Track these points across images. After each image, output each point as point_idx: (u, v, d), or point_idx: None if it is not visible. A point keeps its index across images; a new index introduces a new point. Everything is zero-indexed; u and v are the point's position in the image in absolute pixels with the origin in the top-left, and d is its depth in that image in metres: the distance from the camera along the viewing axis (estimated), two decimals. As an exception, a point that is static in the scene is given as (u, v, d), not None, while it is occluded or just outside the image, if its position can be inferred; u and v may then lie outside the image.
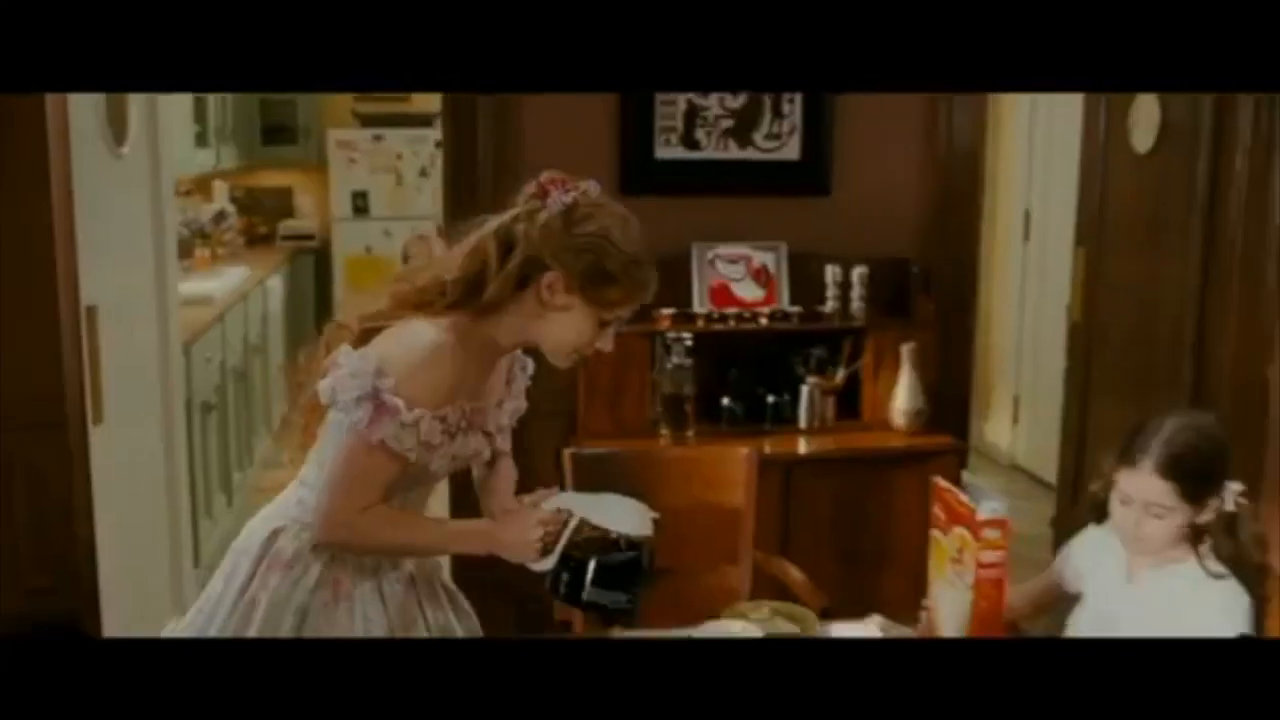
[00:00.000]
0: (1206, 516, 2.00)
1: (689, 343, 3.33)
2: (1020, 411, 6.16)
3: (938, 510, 2.08)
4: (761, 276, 3.57)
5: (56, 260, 2.80)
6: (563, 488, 2.76)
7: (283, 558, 1.97)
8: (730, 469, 2.85)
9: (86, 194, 2.90)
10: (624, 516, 1.94)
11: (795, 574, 2.78)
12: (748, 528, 2.82)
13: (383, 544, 1.98)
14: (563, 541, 1.92)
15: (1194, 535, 2.02)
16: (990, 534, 1.93)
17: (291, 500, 2.03)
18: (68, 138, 2.79)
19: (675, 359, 3.32)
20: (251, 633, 1.95)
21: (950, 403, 3.71)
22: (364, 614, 1.98)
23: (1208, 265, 3.97)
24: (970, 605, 1.95)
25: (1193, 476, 1.97)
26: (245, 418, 5.31)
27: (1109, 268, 4.59)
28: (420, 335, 1.88)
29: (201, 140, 6.14)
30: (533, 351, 2.10)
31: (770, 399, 3.52)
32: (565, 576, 1.92)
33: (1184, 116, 4.02)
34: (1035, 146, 6.01)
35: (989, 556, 1.94)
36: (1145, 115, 4.24)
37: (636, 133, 3.56)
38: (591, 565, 1.91)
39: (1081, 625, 2.14)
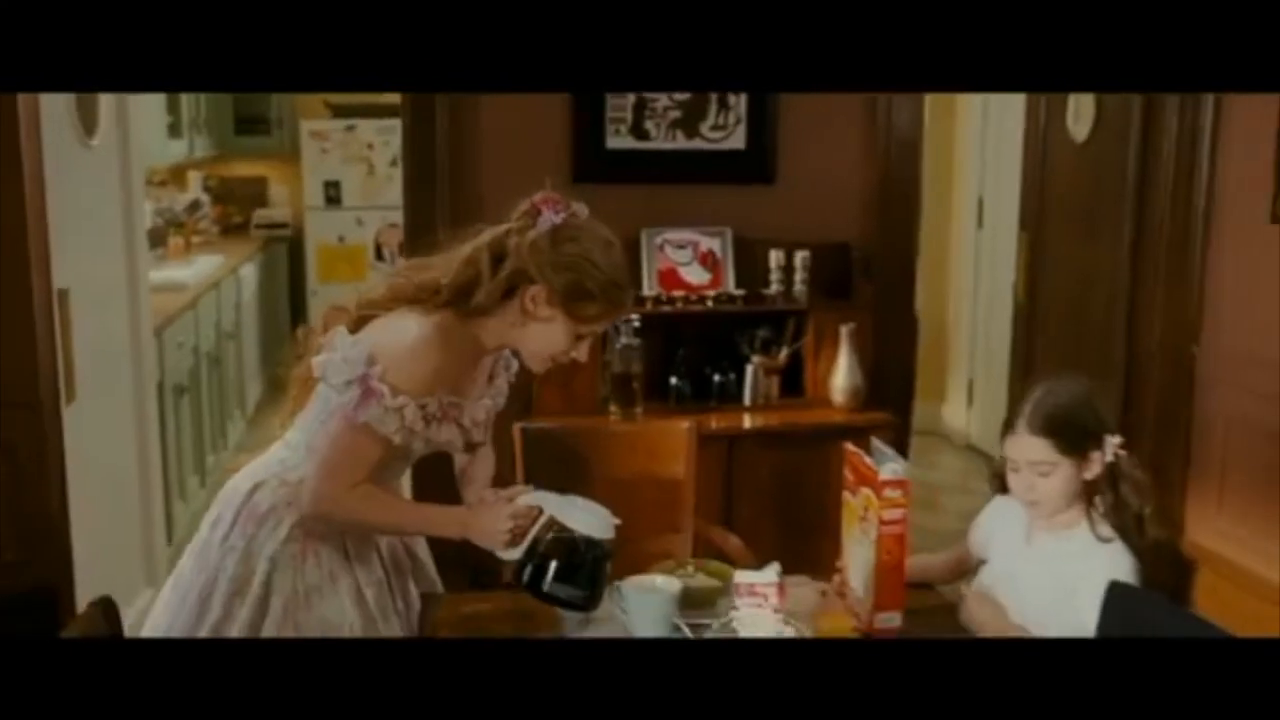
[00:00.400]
0: (1093, 472, 2.17)
1: (637, 324, 3.48)
2: (975, 393, 6.33)
3: (848, 473, 2.24)
4: (708, 261, 3.73)
5: (29, 246, 2.94)
6: (513, 461, 2.93)
7: (259, 510, 2.14)
8: (671, 442, 3.00)
9: (57, 183, 3.04)
10: (589, 519, 2.06)
11: (733, 540, 2.94)
12: (689, 497, 2.97)
13: (366, 521, 2.15)
14: (531, 536, 2.06)
15: (1086, 495, 2.19)
16: (891, 493, 2.09)
17: (274, 459, 2.21)
18: (39, 130, 2.92)
19: (624, 339, 3.47)
20: (227, 576, 2.12)
21: (892, 381, 3.87)
22: (329, 569, 2.15)
23: (1137, 249, 4.15)
24: (874, 559, 2.12)
25: (1064, 431, 2.14)
26: (219, 401, 5.45)
27: (1050, 252, 4.77)
28: (410, 328, 2.05)
29: (175, 131, 6.26)
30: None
31: (716, 378, 3.68)
32: (529, 568, 2.05)
33: (1117, 108, 4.19)
34: (987, 135, 6.17)
35: (891, 514, 2.09)
36: (1082, 106, 4.42)
37: (588, 124, 3.71)
38: (554, 563, 2.04)
39: (986, 584, 2.31)
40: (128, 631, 2.03)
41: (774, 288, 3.70)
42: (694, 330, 3.73)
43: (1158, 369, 4.12)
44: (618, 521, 2.10)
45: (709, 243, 3.73)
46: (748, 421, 3.62)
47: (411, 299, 2.11)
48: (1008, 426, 2.21)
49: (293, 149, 7.37)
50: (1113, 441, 2.17)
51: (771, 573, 1.83)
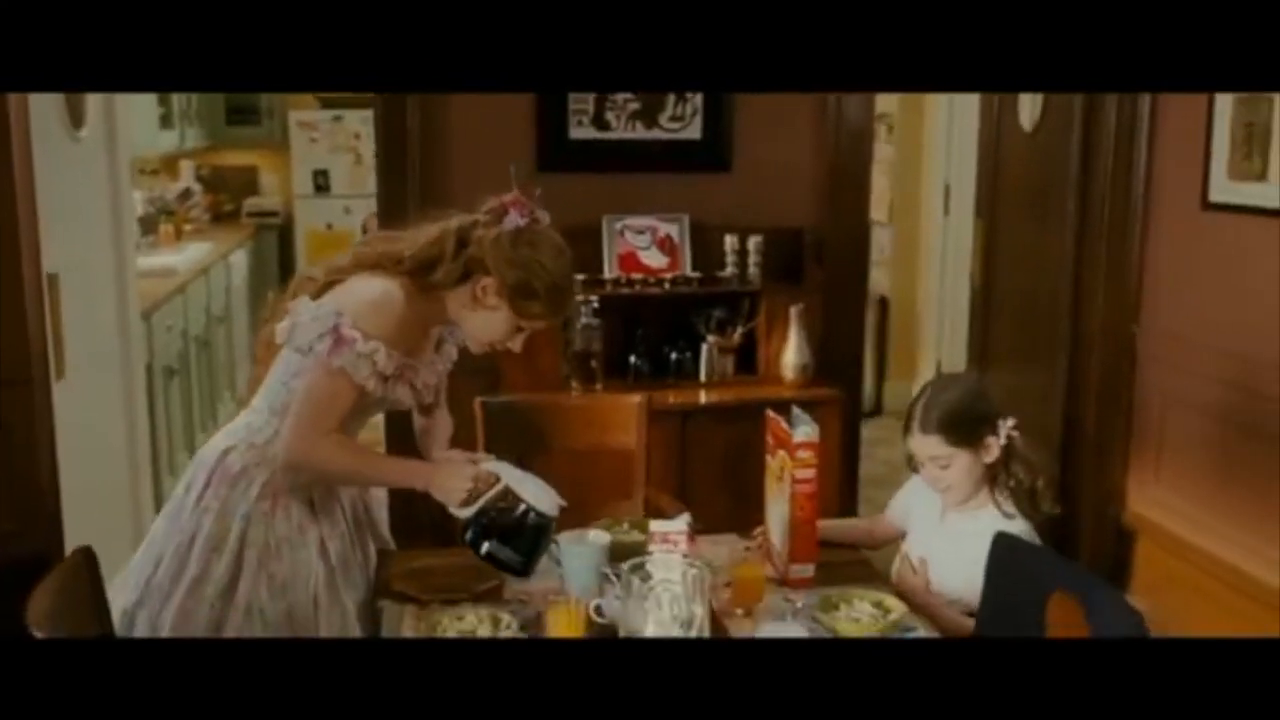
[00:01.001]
0: (992, 456, 2.37)
1: (596, 305, 3.68)
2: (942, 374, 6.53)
3: (769, 438, 2.44)
4: (666, 245, 3.92)
5: (20, 233, 3.14)
6: (475, 433, 3.13)
7: (231, 471, 2.32)
8: (623, 415, 3.19)
9: (47, 174, 3.23)
10: (540, 495, 2.26)
11: (676, 506, 3.12)
12: (640, 467, 3.17)
13: (340, 468, 2.33)
14: (484, 499, 2.25)
15: (991, 478, 2.39)
16: (803, 454, 2.30)
17: (241, 425, 2.40)
18: (27, 123, 3.11)
19: (584, 319, 3.67)
20: (204, 535, 2.30)
21: (843, 359, 4.07)
22: (298, 522, 2.34)
23: (1081, 234, 4.34)
24: (789, 515, 2.32)
25: (955, 426, 2.34)
26: (208, 383, 5.65)
27: (1003, 237, 4.95)
28: (375, 284, 2.27)
29: (166, 121, 6.45)
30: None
31: (674, 356, 3.87)
32: (476, 527, 2.24)
33: (1063, 98, 4.37)
34: (953, 125, 6.35)
35: (803, 473, 2.30)
36: (1030, 96, 4.60)
37: (552, 115, 3.90)
38: (499, 527, 2.23)
39: (908, 555, 2.50)
40: (111, 594, 2.22)
41: (729, 271, 3.89)
42: (652, 311, 3.92)
43: (1100, 349, 4.31)
44: (564, 503, 2.30)
45: (667, 228, 3.92)
46: (703, 397, 3.81)
47: (374, 265, 2.32)
48: (906, 427, 2.41)
49: (282, 139, 7.55)
50: (1006, 425, 2.36)
51: (681, 523, 2.03)
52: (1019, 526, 2.35)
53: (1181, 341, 4.04)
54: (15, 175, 3.11)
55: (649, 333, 3.91)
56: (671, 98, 3.95)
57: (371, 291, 2.26)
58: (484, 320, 2.32)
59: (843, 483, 3.73)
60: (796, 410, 2.40)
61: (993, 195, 4.98)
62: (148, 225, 5.86)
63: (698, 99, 3.96)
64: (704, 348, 3.87)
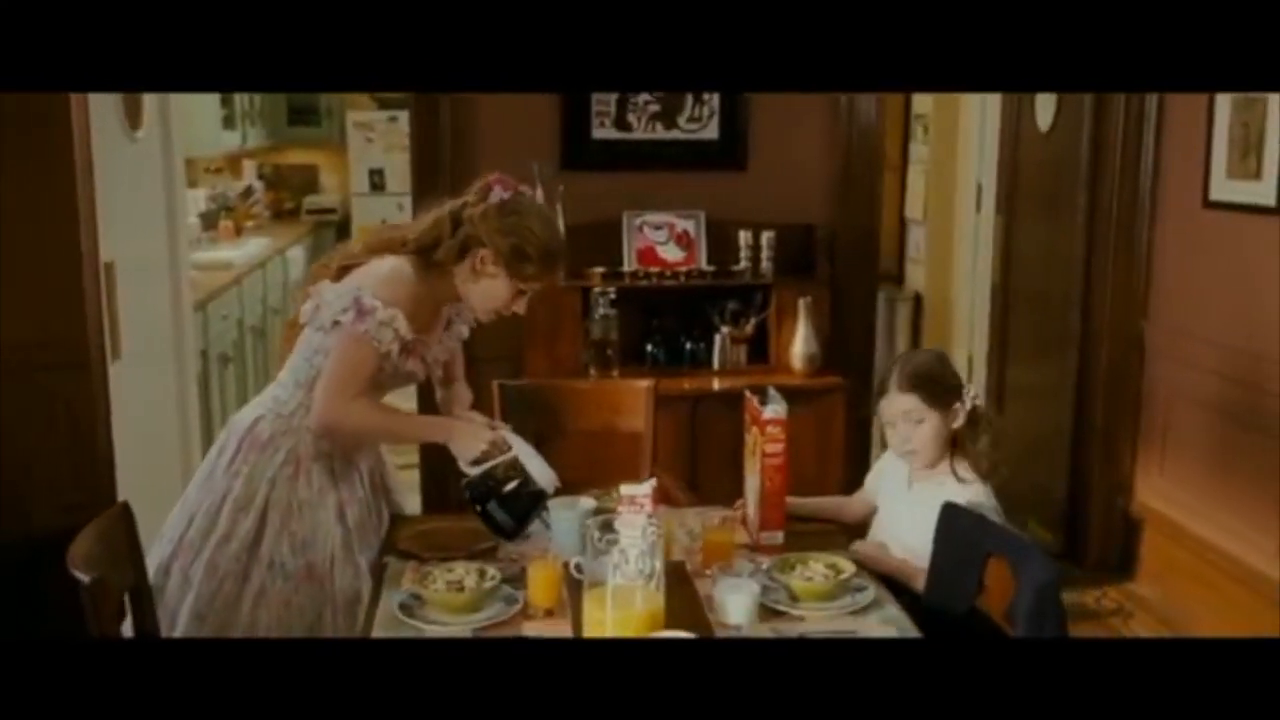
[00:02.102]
0: (958, 422, 2.55)
1: (613, 296, 3.90)
2: (973, 371, 6.65)
3: (747, 416, 2.64)
4: (683, 240, 4.13)
5: (80, 225, 3.42)
6: (494, 414, 3.36)
7: (260, 439, 2.59)
8: (633, 400, 3.40)
9: (106, 171, 3.51)
10: (541, 471, 2.50)
11: (677, 485, 3.34)
12: (647, 448, 3.37)
13: (371, 426, 2.59)
14: (494, 462, 2.50)
15: (952, 444, 2.57)
16: (772, 430, 2.49)
17: (269, 397, 2.67)
18: (88, 125, 3.39)
19: (602, 309, 3.89)
20: (233, 496, 2.55)
21: (852, 349, 4.25)
22: (318, 487, 2.59)
23: (1091, 231, 4.48)
24: (759, 486, 2.52)
25: (929, 385, 2.53)
26: (262, 370, 5.95)
27: (1020, 235, 5.10)
28: (386, 262, 2.55)
29: (229, 123, 6.79)
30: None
31: (688, 345, 4.09)
32: (481, 486, 2.49)
33: (1076, 98, 4.51)
34: (987, 123, 6.46)
35: (771, 448, 2.50)
36: (1046, 97, 4.74)
37: (575, 116, 4.14)
38: (502, 490, 2.47)
39: (879, 525, 2.69)
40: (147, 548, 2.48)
41: (742, 265, 4.09)
42: (670, 303, 4.14)
43: (1109, 344, 4.45)
44: (559, 484, 2.53)
45: (684, 224, 4.13)
46: (715, 384, 4.01)
47: (383, 250, 2.59)
48: (880, 390, 2.60)
49: (341, 139, 7.87)
50: (970, 394, 2.55)
51: (647, 486, 2.24)
52: (977, 490, 2.52)
53: (1186, 336, 4.17)
54: (76, 173, 3.40)
55: (665, 323, 4.12)
56: (690, 100, 4.16)
57: (385, 267, 2.53)
58: (486, 288, 2.56)
59: (849, 465, 3.90)
60: (772, 391, 2.60)
61: (1011, 194, 5.13)
62: (209, 221, 6.18)
63: (715, 101, 4.16)
64: (718, 338, 4.07)
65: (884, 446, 2.73)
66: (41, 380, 3.50)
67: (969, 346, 6.74)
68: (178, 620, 2.53)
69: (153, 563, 2.56)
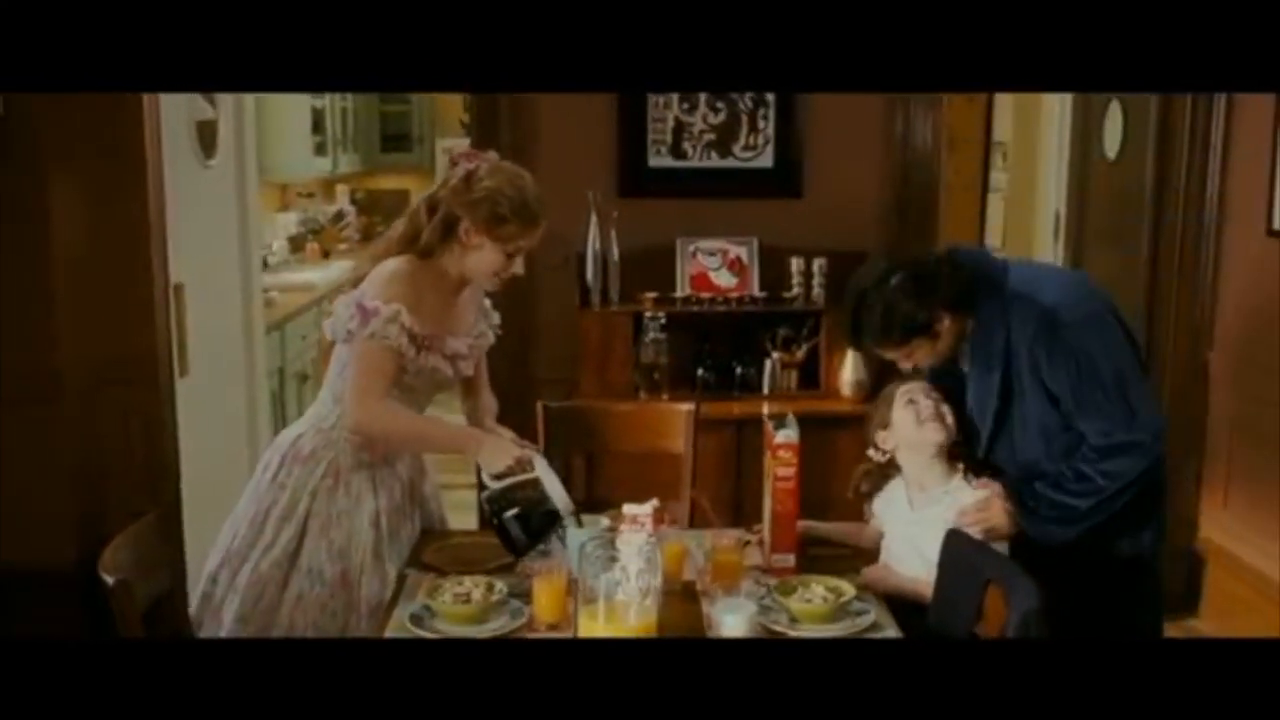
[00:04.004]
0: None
1: (663, 321, 3.97)
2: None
3: (765, 443, 2.68)
4: (736, 266, 4.18)
5: (151, 247, 3.60)
6: (536, 434, 3.44)
7: (303, 453, 2.71)
8: (673, 422, 3.45)
9: (178, 197, 3.68)
10: (559, 497, 2.56)
11: (708, 507, 3.38)
12: (686, 471, 3.43)
13: (398, 429, 2.68)
14: (516, 479, 2.58)
15: (951, 458, 2.58)
16: (783, 454, 2.54)
17: (311, 414, 2.81)
18: (159, 152, 3.56)
19: (651, 334, 3.96)
20: (278, 507, 2.68)
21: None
22: (357, 495, 2.70)
23: (1154, 260, 4.42)
24: (770, 509, 2.56)
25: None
26: (343, 390, 6.13)
27: (1087, 264, 5.04)
28: (383, 265, 2.66)
29: (321, 149, 7.02)
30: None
31: (739, 370, 4.13)
32: (501, 500, 2.57)
33: (1140, 127, 4.47)
34: (1065, 150, 6.39)
35: (782, 471, 2.54)
36: (1113, 124, 4.70)
37: (632, 144, 4.22)
38: (520, 505, 2.54)
39: (886, 550, 2.68)
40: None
41: (794, 291, 4.13)
42: (721, 328, 4.19)
43: (1172, 373, 4.38)
44: (574, 509, 2.59)
45: (737, 250, 4.18)
46: (765, 409, 4.03)
47: (383, 255, 2.70)
48: (887, 404, 2.62)
49: (432, 164, 8.06)
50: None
51: (649, 506, 2.29)
52: (987, 490, 2.52)
53: (1251, 367, 4.09)
54: (149, 200, 3.58)
55: (717, 348, 4.17)
56: (744, 128, 4.22)
57: (382, 270, 2.63)
58: (478, 259, 2.65)
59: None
60: (790, 416, 2.64)
61: (1079, 222, 5.08)
62: (297, 243, 6.39)
63: (770, 129, 4.22)
64: (768, 363, 4.11)
65: (884, 479, 2.74)
66: (115, 395, 3.70)
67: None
68: (223, 624, 2.66)
69: (206, 571, 2.70)
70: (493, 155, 2.69)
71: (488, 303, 2.93)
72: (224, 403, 4.10)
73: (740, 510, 3.58)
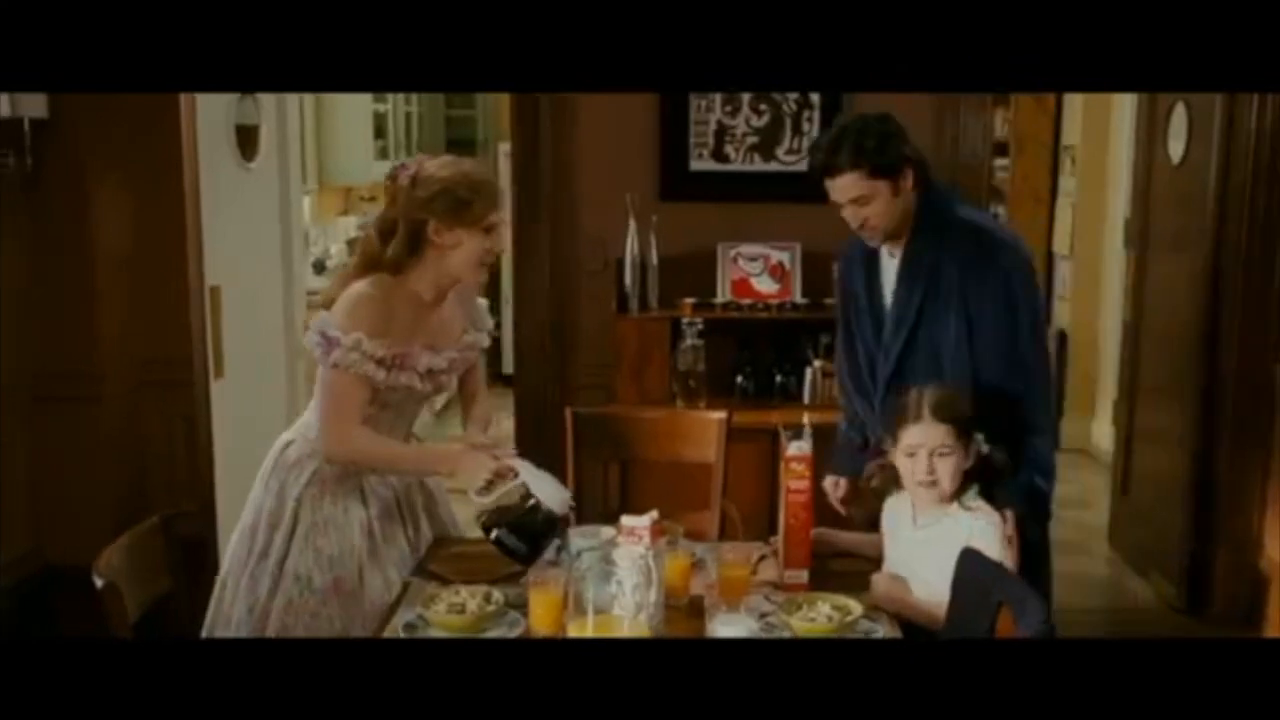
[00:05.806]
0: (969, 462, 2.45)
1: (700, 327, 3.89)
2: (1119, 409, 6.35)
3: (781, 454, 2.60)
4: (778, 272, 4.09)
5: (188, 249, 3.63)
6: (566, 441, 3.39)
7: (289, 461, 2.70)
8: (703, 431, 3.37)
9: (217, 200, 3.71)
10: (552, 493, 2.48)
11: (735, 516, 3.29)
12: (717, 480, 3.35)
13: (375, 455, 2.64)
14: (501, 489, 2.51)
15: (962, 479, 2.47)
16: (796, 466, 2.46)
17: (300, 423, 2.78)
18: (196, 157, 3.60)
19: (689, 340, 3.89)
20: (270, 515, 2.65)
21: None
22: (343, 505, 2.67)
23: (1218, 269, 4.25)
24: (783, 523, 2.48)
25: (958, 420, 2.43)
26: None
27: (1151, 271, 4.87)
28: (350, 290, 2.60)
29: (383, 153, 7.05)
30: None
31: (779, 378, 4.04)
32: (492, 516, 2.48)
33: (1205, 129, 4.31)
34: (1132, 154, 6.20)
35: (795, 484, 2.46)
36: (1177, 128, 4.54)
37: (674, 148, 4.15)
38: (509, 517, 2.46)
39: (891, 556, 2.58)
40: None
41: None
42: (762, 334, 4.10)
43: (1236, 386, 4.21)
44: (573, 504, 2.53)
45: (779, 255, 4.10)
46: (805, 418, 3.93)
47: (353, 277, 2.64)
48: (908, 418, 2.49)
49: (495, 169, 8.07)
50: (979, 438, 2.46)
51: (647, 519, 2.23)
52: (989, 518, 2.42)
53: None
54: (186, 200, 3.61)
55: (757, 355, 4.09)
56: (788, 132, 4.13)
57: (348, 297, 2.57)
58: (459, 254, 2.59)
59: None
60: (805, 428, 2.55)
61: (1144, 228, 4.91)
62: (352, 247, 6.42)
63: (814, 132, 4.12)
64: (809, 371, 4.01)
65: (887, 492, 2.64)
66: (154, 396, 3.74)
67: (1116, 388, 6.45)
68: (230, 627, 2.66)
69: (219, 576, 2.75)
70: (425, 157, 2.65)
71: (484, 304, 2.89)
72: (261, 404, 4.12)
73: (775, 522, 3.49)
